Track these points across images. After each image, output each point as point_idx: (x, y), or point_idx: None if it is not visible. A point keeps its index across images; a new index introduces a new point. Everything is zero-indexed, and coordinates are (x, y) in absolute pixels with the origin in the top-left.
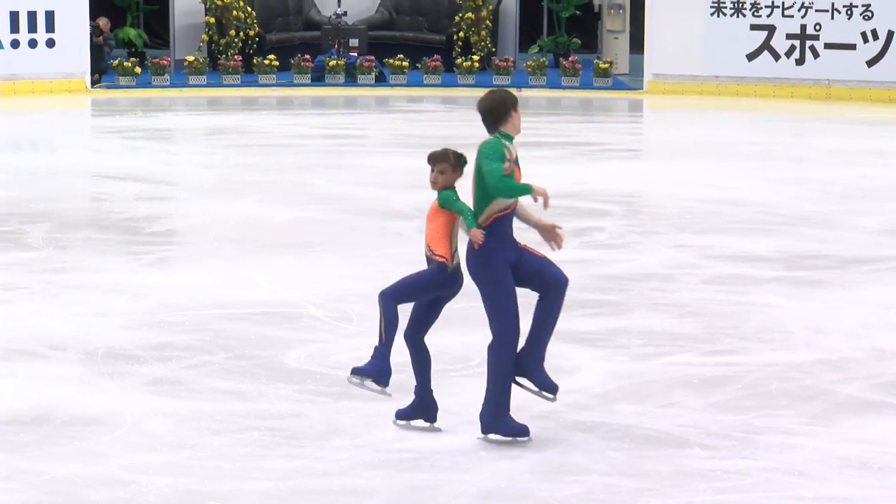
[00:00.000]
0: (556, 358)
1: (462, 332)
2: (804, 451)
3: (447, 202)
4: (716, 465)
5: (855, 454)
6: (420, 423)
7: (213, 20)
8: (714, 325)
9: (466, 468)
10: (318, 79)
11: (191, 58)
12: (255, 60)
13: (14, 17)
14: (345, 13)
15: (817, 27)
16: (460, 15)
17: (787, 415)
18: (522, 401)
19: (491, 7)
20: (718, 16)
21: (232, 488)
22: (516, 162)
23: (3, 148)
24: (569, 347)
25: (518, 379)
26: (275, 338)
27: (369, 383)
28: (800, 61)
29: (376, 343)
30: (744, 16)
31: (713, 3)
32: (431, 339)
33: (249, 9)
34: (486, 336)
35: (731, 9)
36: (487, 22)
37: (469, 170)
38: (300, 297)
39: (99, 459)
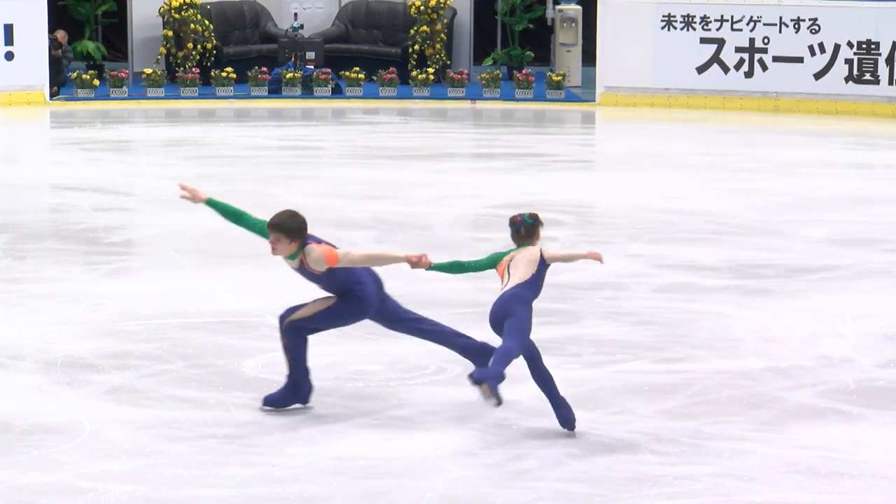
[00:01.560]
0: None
1: (416, 340)
2: (754, 457)
3: None
4: (667, 471)
5: (804, 460)
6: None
7: (170, 33)
8: (665, 334)
9: (422, 475)
10: (275, 91)
11: (149, 70)
12: (212, 73)
13: None
14: (301, 26)
15: (765, 40)
16: (415, 28)
17: (737, 421)
18: (475, 408)
19: (445, 20)
20: (669, 29)
21: (190, 495)
22: None
23: None
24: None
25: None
26: (232, 347)
27: None
28: (748, 74)
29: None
30: (694, 29)
31: (664, 16)
32: (387, 347)
33: (207, 22)
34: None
35: (681, 22)
36: (442, 35)
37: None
38: (257, 307)
39: (58, 467)
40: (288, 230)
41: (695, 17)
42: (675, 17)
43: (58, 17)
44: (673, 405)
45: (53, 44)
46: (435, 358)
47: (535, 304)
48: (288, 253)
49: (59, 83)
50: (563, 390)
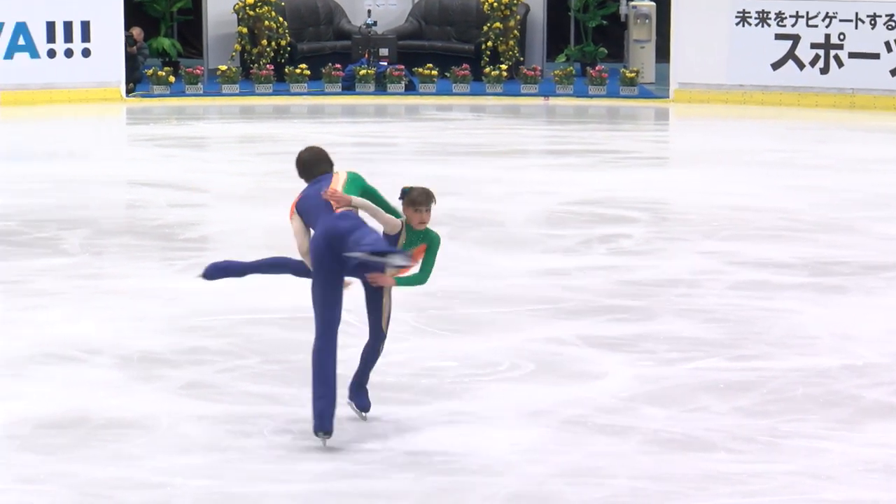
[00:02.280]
0: (582, 363)
1: (490, 336)
2: (830, 455)
3: None
4: (742, 469)
5: (881, 458)
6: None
7: (245, 30)
8: (739, 331)
9: (495, 471)
10: (349, 88)
11: (223, 67)
12: (286, 69)
13: (50, 27)
14: (375, 23)
15: (841, 37)
16: (489, 25)
17: (812, 419)
18: (548, 405)
19: (519, 17)
20: (743, 25)
21: (265, 490)
22: None
23: (40, 156)
24: (595, 352)
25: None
26: (306, 342)
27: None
28: (824, 70)
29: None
30: (769, 25)
31: (738, 13)
32: (460, 343)
33: (281, 19)
34: (513, 340)
35: (756, 18)
36: (515, 31)
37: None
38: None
39: (133, 462)
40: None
41: (770, 13)
42: (749, 13)
43: (134, 14)
44: (748, 403)
45: (129, 41)
46: (508, 354)
47: (610, 301)
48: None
49: (135, 80)
50: (638, 387)
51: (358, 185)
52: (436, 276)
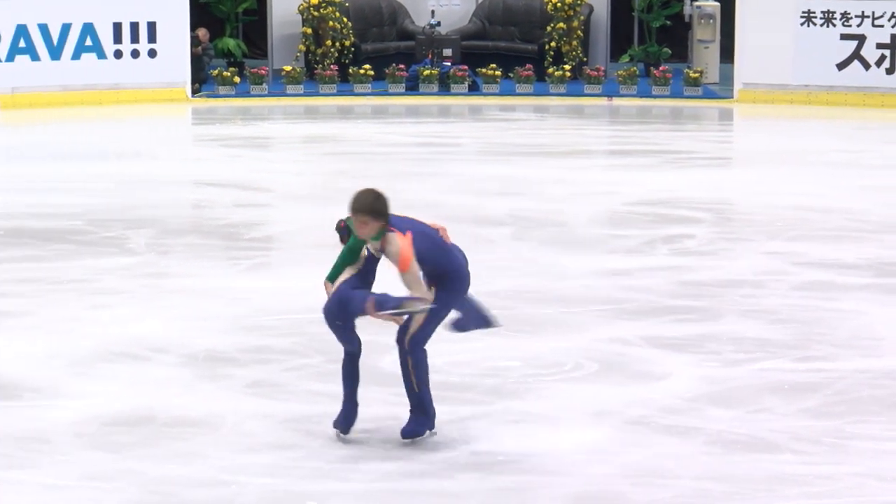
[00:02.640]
0: (646, 363)
1: (553, 337)
2: None
3: None
4: (807, 471)
5: None
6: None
7: (309, 31)
8: (804, 332)
9: (559, 472)
10: (413, 88)
11: (288, 67)
12: (350, 70)
13: (117, 28)
14: (438, 23)
15: None
16: (552, 25)
17: (878, 421)
18: (612, 405)
19: (582, 17)
20: (808, 25)
21: (329, 489)
22: None
23: (106, 156)
24: (659, 353)
25: None
26: (369, 342)
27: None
28: (890, 70)
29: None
30: (834, 25)
31: (803, 13)
32: (525, 343)
33: (345, 19)
34: (577, 341)
35: (821, 19)
36: (579, 32)
37: None
38: None
39: (199, 460)
40: (375, 212)
41: (835, 13)
42: (814, 13)
43: (199, 15)
44: (813, 404)
45: (195, 42)
46: (572, 354)
47: (674, 302)
48: (372, 234)
49: (201, 80)
50: (703, 388)
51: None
52: (499, 276)
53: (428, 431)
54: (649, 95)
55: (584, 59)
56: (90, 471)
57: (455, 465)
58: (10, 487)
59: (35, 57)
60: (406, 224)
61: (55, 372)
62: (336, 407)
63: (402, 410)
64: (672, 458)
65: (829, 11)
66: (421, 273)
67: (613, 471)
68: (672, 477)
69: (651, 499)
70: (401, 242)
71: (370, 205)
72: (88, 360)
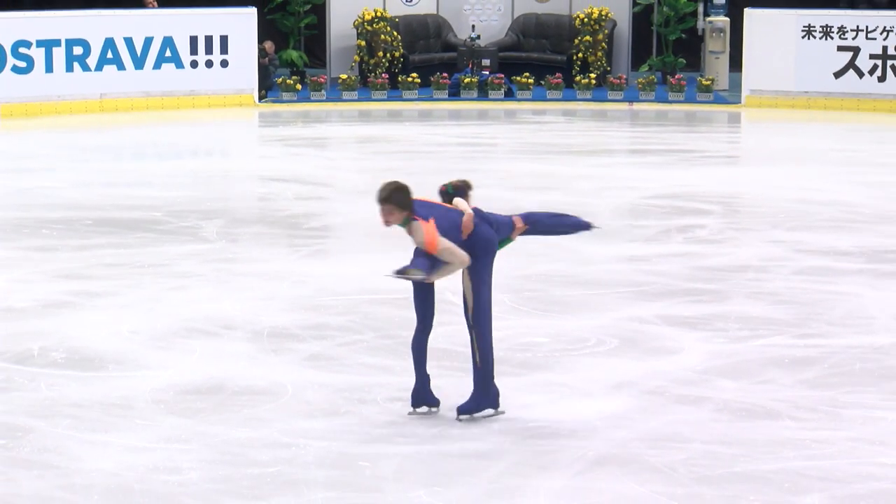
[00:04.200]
0: (662, 339)
1: (579, 316)
2: (885, 423)
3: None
4: (805, 435)
5: None
6: (529, 390)
7: (363, 43)
8: (803, 312)
9: (583, 436)
10: (455, 94)
11: (344, 76)
12: (399, 78)
13: (194, 41)
14: (478, 36)
15: None
16: (579, 38)
17: (869, 391)
18: (631, 377)
19: (607, 31)
20: (809, 38)
21: (378, 451)
22: None
23: (183, 154)
24: (673, 330)
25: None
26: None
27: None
28: (881, 79)
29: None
30: (832, 38)
31: (804, 27)
32: (552, 322)
33: (395, 33)
34: (600, 319)
35: (820, 32)
36: (603, 44)
37: None
38: (438, 285)
39: (264, 424)
40: (397, 203)
41: (833, 27)
42: (814, 27)
43: (266, 29)
44: (811, 376)
45: (262, 53)
46: (595, 331)
47: (687, 285)
48: (398, 222)
49: (267, 87)
50: (712, 361)
51: None
52: (533, 262)
53: (492, 410)
54: (666, 101)
55: (608, 68)
56: (168, 434)
57: (490, 430)
58: (97, 448)
59: (121, 67)
60: (428, 211)
61: (137, 346)
62: (385, 377)
63: (444, 381)
64: (684, 424)
65: (827, 26)
66: (452, 244)
67: (632, 435)
68: (684, 441)
69: (666, 461)
70: (424, 229)
71: (391, 196)
72: (166, 335)
